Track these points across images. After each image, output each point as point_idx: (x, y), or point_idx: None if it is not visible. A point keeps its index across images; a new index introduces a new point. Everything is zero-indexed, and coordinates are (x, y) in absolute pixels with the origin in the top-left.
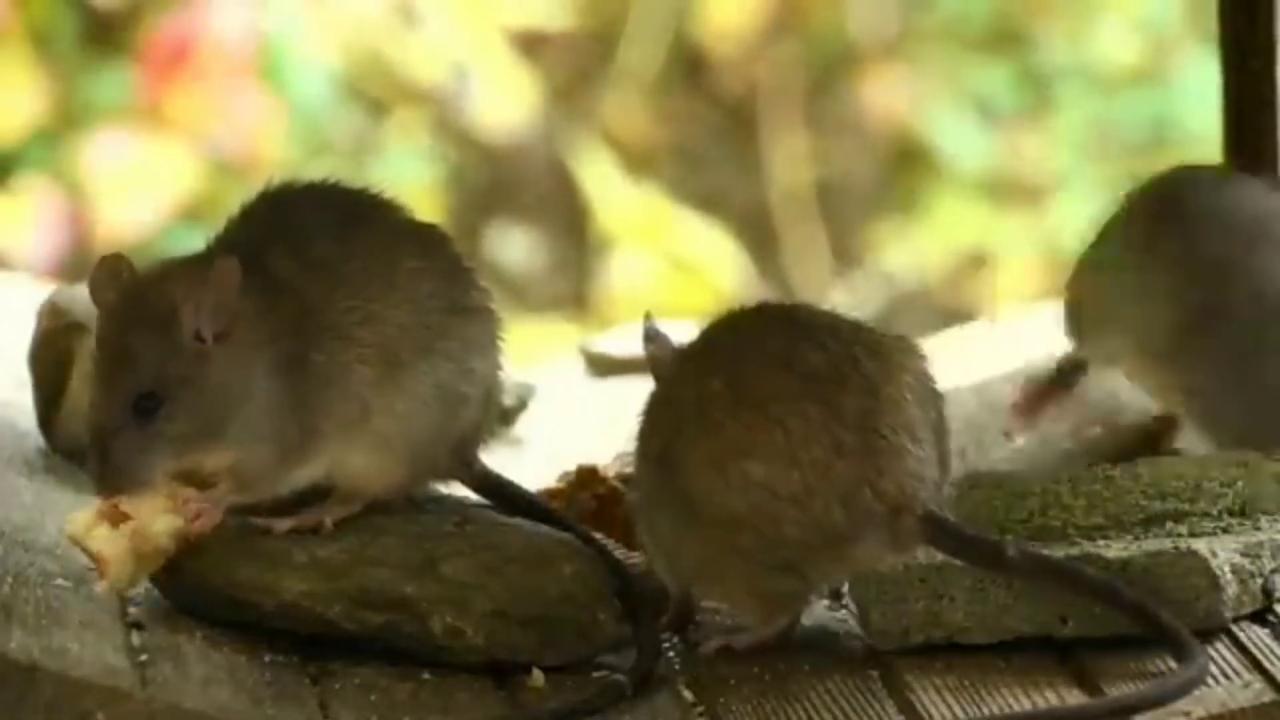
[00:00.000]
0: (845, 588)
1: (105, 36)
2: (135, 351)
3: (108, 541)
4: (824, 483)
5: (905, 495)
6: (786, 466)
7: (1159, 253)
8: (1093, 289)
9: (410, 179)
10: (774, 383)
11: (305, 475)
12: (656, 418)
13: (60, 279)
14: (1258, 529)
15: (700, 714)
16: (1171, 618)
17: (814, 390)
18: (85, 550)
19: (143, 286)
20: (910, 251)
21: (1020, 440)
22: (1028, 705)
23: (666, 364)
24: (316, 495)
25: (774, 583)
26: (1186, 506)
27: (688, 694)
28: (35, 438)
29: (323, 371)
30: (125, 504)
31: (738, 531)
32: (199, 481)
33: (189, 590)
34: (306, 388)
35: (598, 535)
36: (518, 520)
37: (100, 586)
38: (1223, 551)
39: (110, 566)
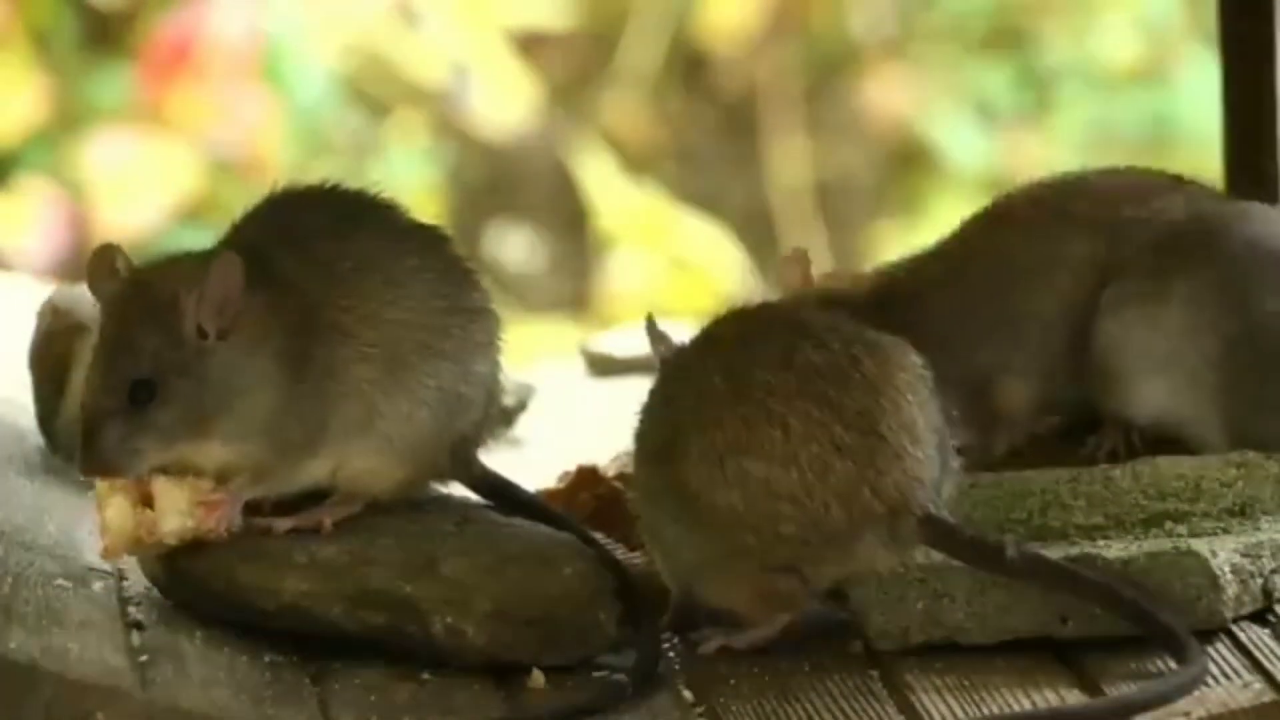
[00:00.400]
0: (845, 588)
1: (105, 36)
2: (135, 340)
3: (118, 516)
4: (823, 482)
5: (904, 496)
6: (785, 465)
7: (1199, 281)
8: (1123, 339)
9: (410, 179)
10: (774, 381)
11: (313, 471)
12: (656, 415)
13: (60, 279)
14: (1258, 529)
15: (700, 714)
16: (1171, 618)
17: (815, 389)
18: (99, 509)
19: (148, 278)
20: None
21: None
22: (1028, 705)
23: (666, 361)
24: (316, 495)
25: (773, 582)
26: (1186, 506)
27: (688, 694)
28: (35, 438)
29: (327, 369)
30: (153, 484)
31: (736, 530)
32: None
33: (189, 590)
34: (312, 385)
35: (598, 535)
36: (518, 520)
37: (97, 550)
38: (1223, 551)
39: (108, 539)
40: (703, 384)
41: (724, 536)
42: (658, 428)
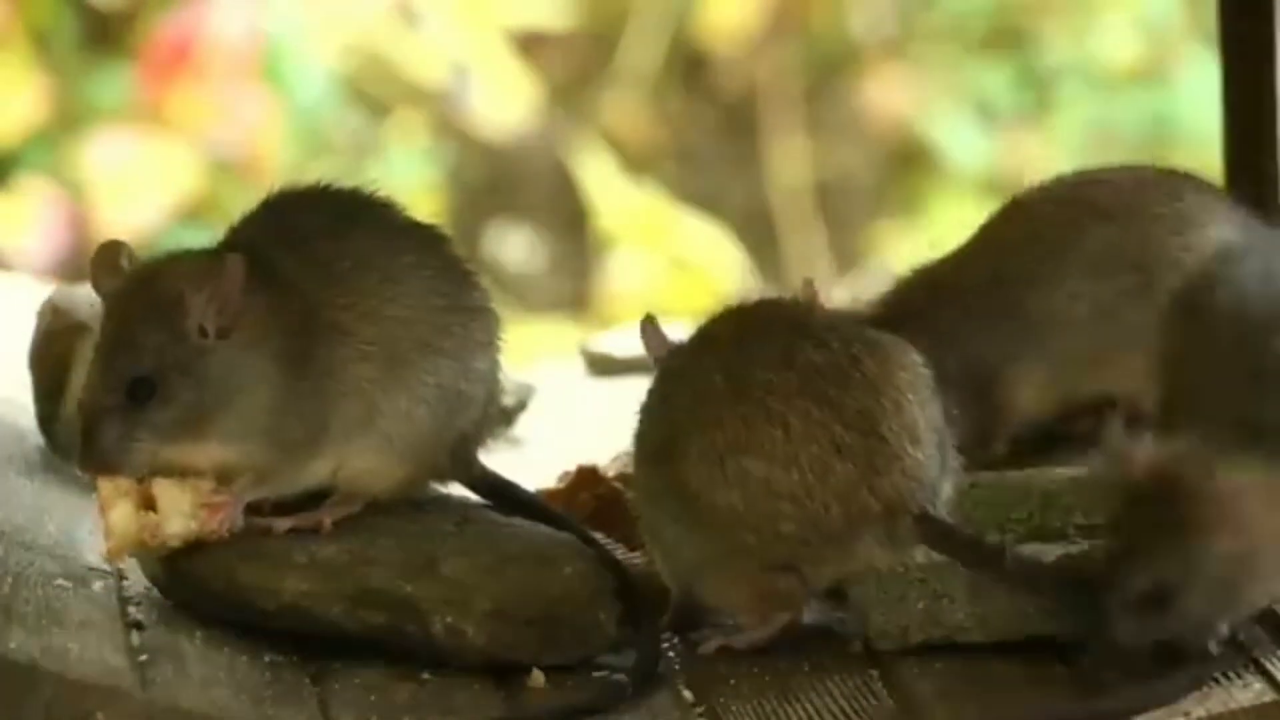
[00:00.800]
0: (845, 588)
1: (105, 36)
2: (137, 336)
3: (122, 520)
4: (823, 483)
5: (903, 497)
6: (786, 465)
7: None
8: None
9: (410, 179)
10: (775, 380)
11: (315, 471)
12: (655, 415)
13: (60, 279)
14: None
15: (700, 714)
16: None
17: (815, 388)
18: (102, 512)
19: (151, 275)
20: (910, 251)
21: None
22: (1028, 705)
23: (665, 361)
24: (316, 495)
25: (773, 581)
26: None
27: (688, 694)
28: (35, 438)
29: (326, 368)
30: (156, 486)
31: (736, 529)
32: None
33: (189, 590)
34: (312, 384)
35: (598, 535)
36: (518, 520)
37: (100, 550)
38: None
39: (113, 542)
40: (702, 383)
41: (724, 536)
42: (657, 427)
